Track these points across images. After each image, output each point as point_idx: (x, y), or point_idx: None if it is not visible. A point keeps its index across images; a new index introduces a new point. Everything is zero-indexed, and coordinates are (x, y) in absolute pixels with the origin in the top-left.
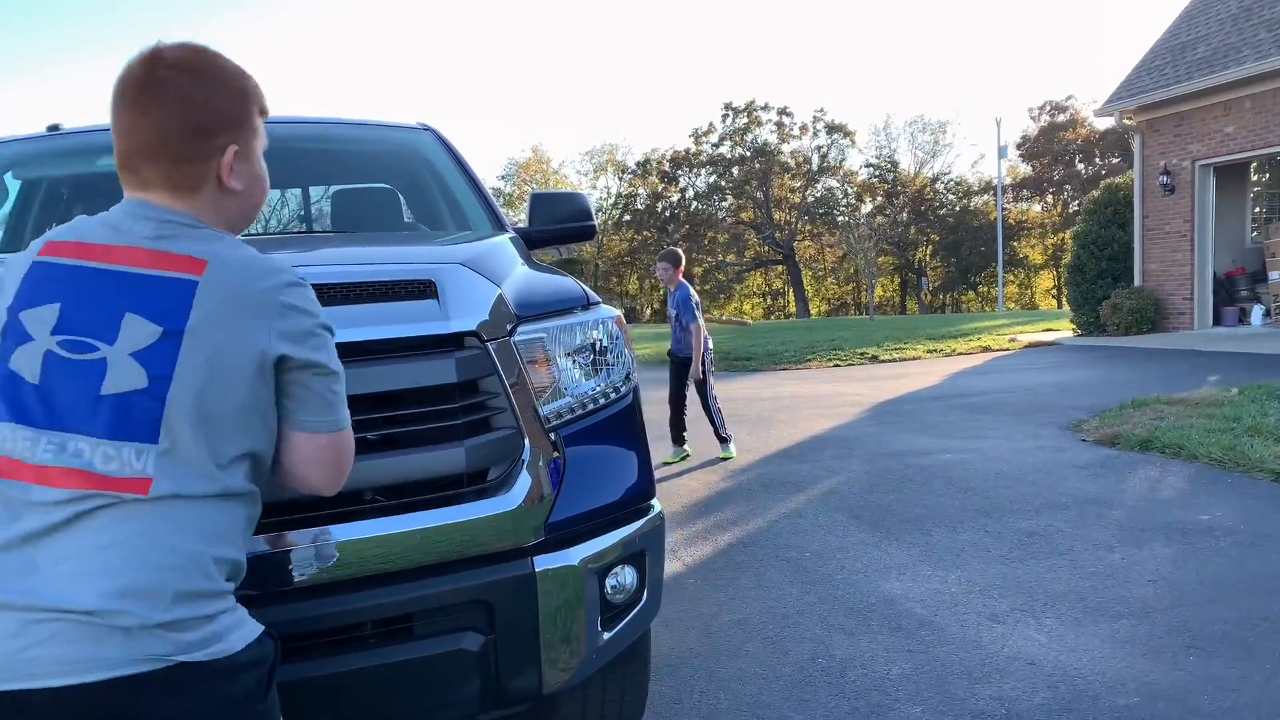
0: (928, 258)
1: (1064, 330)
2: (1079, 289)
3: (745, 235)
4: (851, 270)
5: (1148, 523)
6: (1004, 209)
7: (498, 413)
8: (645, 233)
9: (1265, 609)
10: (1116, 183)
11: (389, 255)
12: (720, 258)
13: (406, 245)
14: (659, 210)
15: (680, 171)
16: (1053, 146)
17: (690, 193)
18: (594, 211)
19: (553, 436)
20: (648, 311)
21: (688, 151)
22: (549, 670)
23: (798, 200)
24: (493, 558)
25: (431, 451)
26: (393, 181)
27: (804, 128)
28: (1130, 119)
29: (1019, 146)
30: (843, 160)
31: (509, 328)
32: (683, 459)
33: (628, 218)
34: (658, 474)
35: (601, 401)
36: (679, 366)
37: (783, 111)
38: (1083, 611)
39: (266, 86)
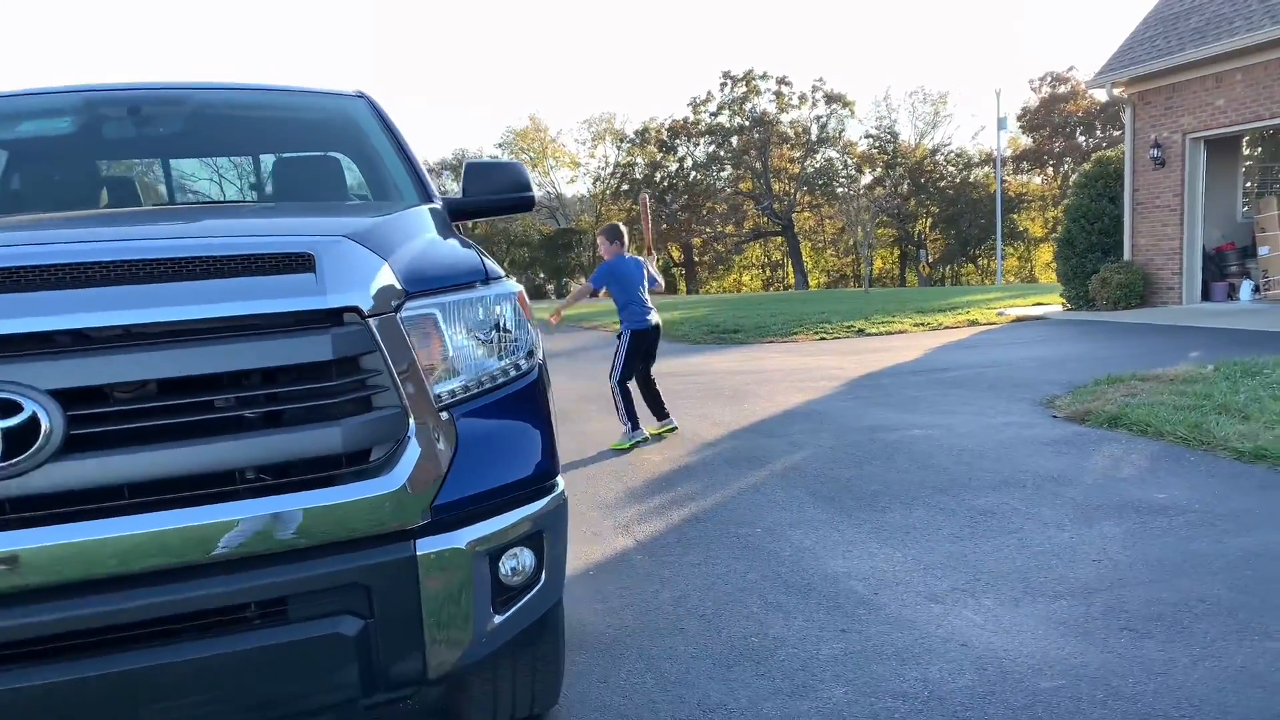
0: (927, 230)
1: (1054, 304)
2: (1069, 263)
3: (744, 206)
4: (851, 242)
5: (1102, 501)
6: (1004, 181)
7: (379, 391)
8: None
9: (1205, 590)
10: (1108, 155)
11: (270, 228)
12: (719, 228)
13: (292, 217)
14: (657, 180)
15: (679, 141)
16: (1053, 118)
17: (689, 162)
18: (531, 183)
19: (444, 416)
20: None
21: (686, 121)
22: (434, 654)
23: (796, 171)
24: (372, 540)
25: (305, 431)
26: (320, 149)
27: (803, 97)
28: (1122, 91)
29: (1019, 118)
30: (842, 131)
31: (394, 304)
32: (670, 430)
33: (626, 187)
34: (633, 449)
35: (500, 379)
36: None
37: (781, 81)
38: (1023, 592)
39: (247, 61)
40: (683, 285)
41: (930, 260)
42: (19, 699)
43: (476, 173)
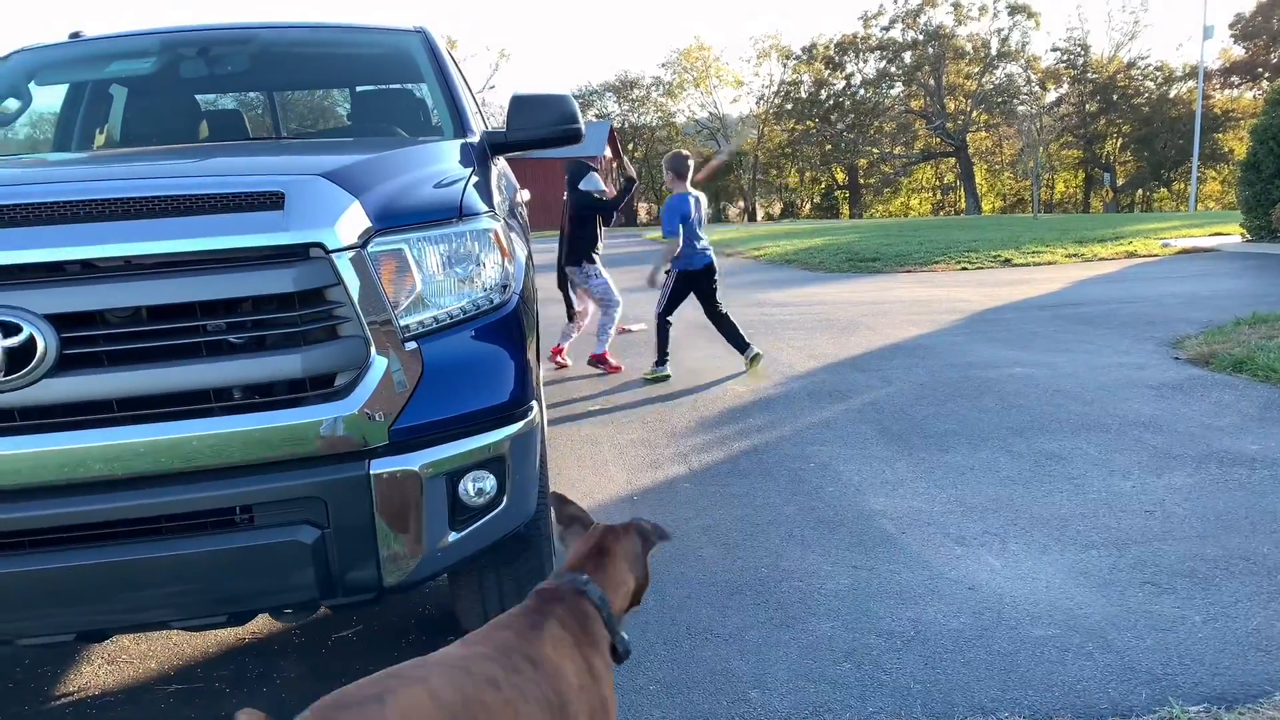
0: (1116, 151)
1: (1233, 234)
2: (1252, 189)
3: (914, 125)
4: (1030, 164)
5: (1185, 450)
6: (1210, 97)
7: (343, 322)
8: (808, 122)
9: (1253, 548)
10: None
11: (254, 167)
12: (886, 149)
13: (281, 156)
14: (822, 99)
15: (846, 57)
16: (1271, 25)
17: (856, 80)
18: (579, 114)
19: (410, 346)
20: (807, 206)
21: (855, 36)
22: (389, 565)
23: (973, 88)
24: (330, 458)
25: (269, 356)
26: (373, 84)
27: (983, 9)
28: None
29: (1231, 25)
30: (1025, 44)
31: (362, 239)
32: (756, 358)
33: (789, 106)
34: (715, 380)
35: (471, 311)
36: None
37: None
38: (1056, 540)
39: None
40: (845, 209)
41: (1115, 184)
42: (16, 581)
43: (521, 106)
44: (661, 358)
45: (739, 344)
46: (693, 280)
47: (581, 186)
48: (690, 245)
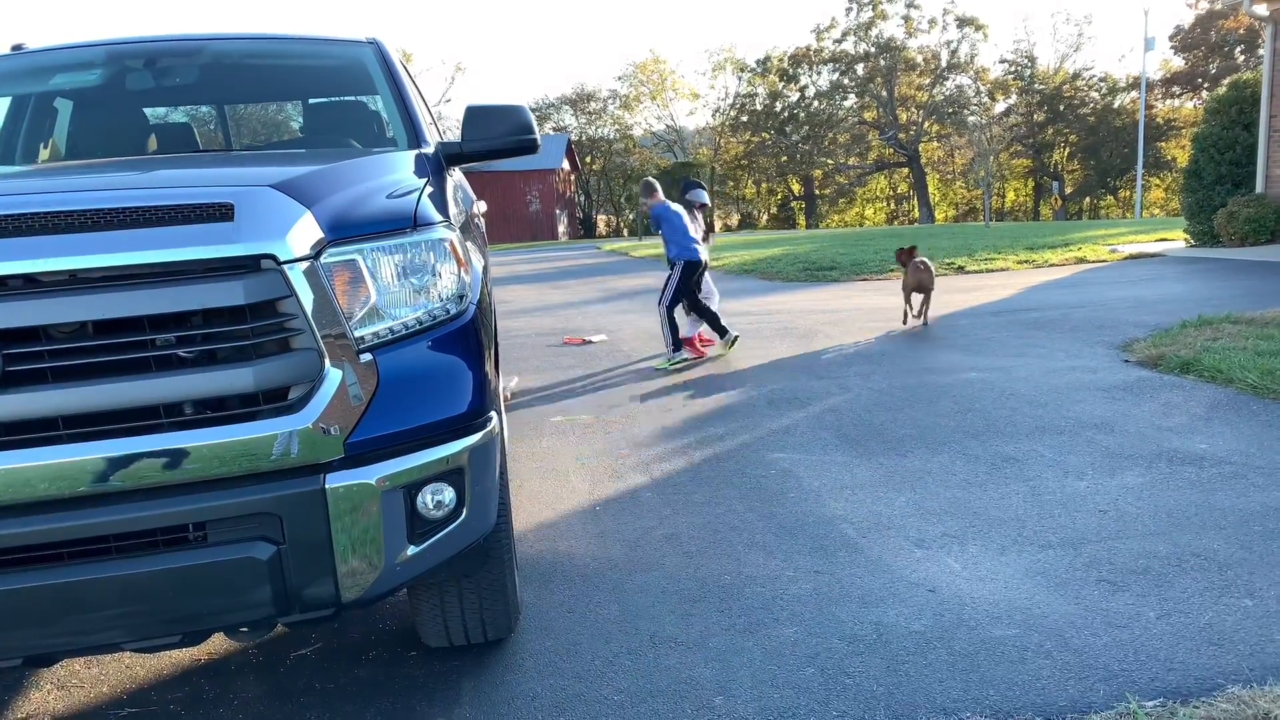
0: (1064, 160)
1: (1177, 240)
2: (1194, 195)
3: (868, 136)
4: (982, 174)
5: (1137, 450)
6: (1153, 107)
7: (296, 334)
8: (763, 134)
9: (1204, 545)
10: (1245, 79)
11: (197, 178)
12: (841, 160)
13: (230, 167)
14: (777, 111)
15: (800, 69)
16: (1209, 37)
17: (811, 91)
18: (535, 125)
19: (365, 358)
20: (764, 217)
21: (809, 48)
22: (346, 580)
23: (924, 99)
24: (283, 473)
25: (219, 370)
26: (327, 95)
27: (933, 21)
28: (1263, 5)
29: (1171, 38)
30: (974, 56)
31: (315, 250)
32: (735, 340)
33: (745, 119)
34: (677, 388)
35: (427, 323)
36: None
37: (910, 4)
38: (1013, 540)
39: None
40: (801, 219)
41: (1064, 193)
42: None
43: (476, 117)
44: (678, 345)
45: (720, 328)
46: (695, 269)
47: (687, 197)
48: (688, 238)
